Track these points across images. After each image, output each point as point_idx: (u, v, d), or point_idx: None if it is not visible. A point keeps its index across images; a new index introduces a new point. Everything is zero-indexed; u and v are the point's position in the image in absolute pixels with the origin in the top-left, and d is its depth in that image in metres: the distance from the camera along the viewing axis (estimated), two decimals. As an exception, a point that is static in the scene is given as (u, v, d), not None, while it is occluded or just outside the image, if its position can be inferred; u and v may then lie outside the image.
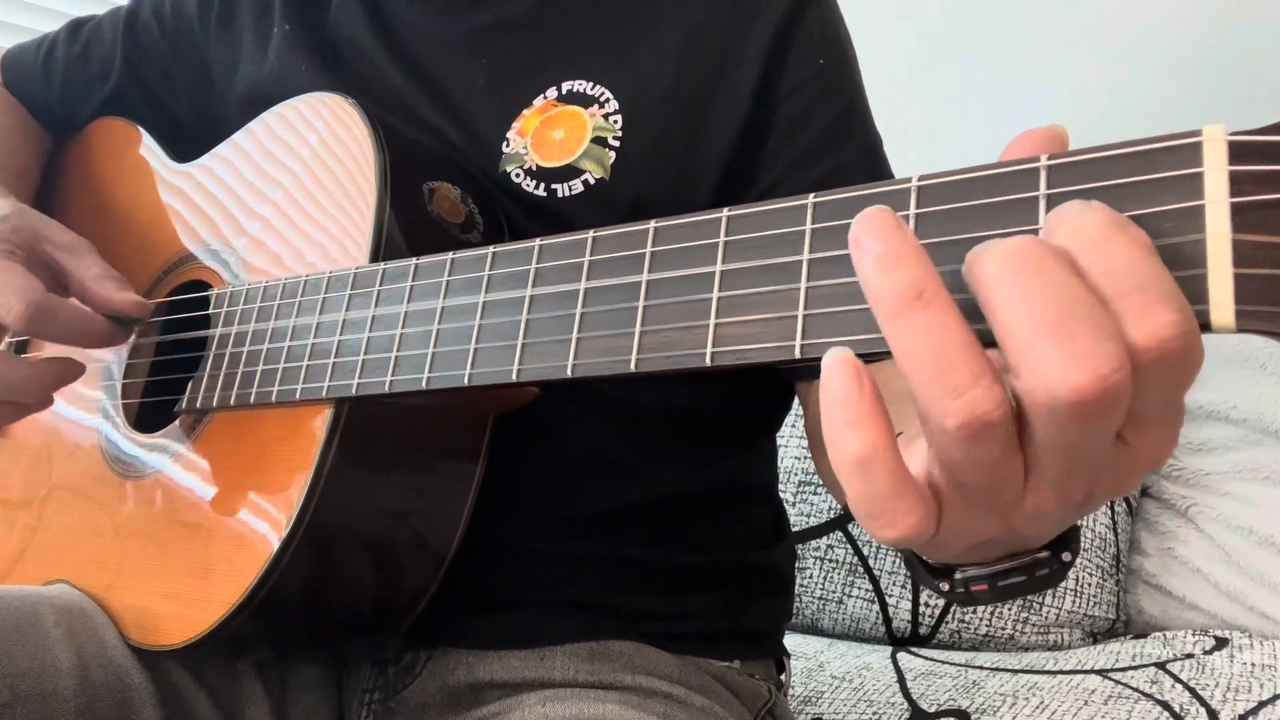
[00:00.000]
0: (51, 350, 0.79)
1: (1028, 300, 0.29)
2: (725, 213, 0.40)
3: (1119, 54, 1.49)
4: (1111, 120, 1.44)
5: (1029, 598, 1.18)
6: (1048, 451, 0.32)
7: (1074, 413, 0.29)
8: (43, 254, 0.68)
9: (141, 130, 0.88)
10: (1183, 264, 0.30)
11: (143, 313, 0.69)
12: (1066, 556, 0.40)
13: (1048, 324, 0.29)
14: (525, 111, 0.72)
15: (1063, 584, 1.18)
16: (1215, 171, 0.30)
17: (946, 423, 0.31)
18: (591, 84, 0.71)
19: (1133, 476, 0.34)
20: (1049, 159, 0.33)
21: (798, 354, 0.36)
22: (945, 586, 0.41)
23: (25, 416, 0.68)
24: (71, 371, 0.67)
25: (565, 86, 0.72)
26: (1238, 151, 0.30)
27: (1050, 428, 0.30)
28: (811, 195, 0.38)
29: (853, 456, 0.32)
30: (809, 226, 0.38)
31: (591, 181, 0.69)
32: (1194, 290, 0.30)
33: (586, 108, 0.71)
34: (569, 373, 0.44)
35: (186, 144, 0.84)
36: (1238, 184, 0.30)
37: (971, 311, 0.31)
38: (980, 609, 1.21)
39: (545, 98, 0.72)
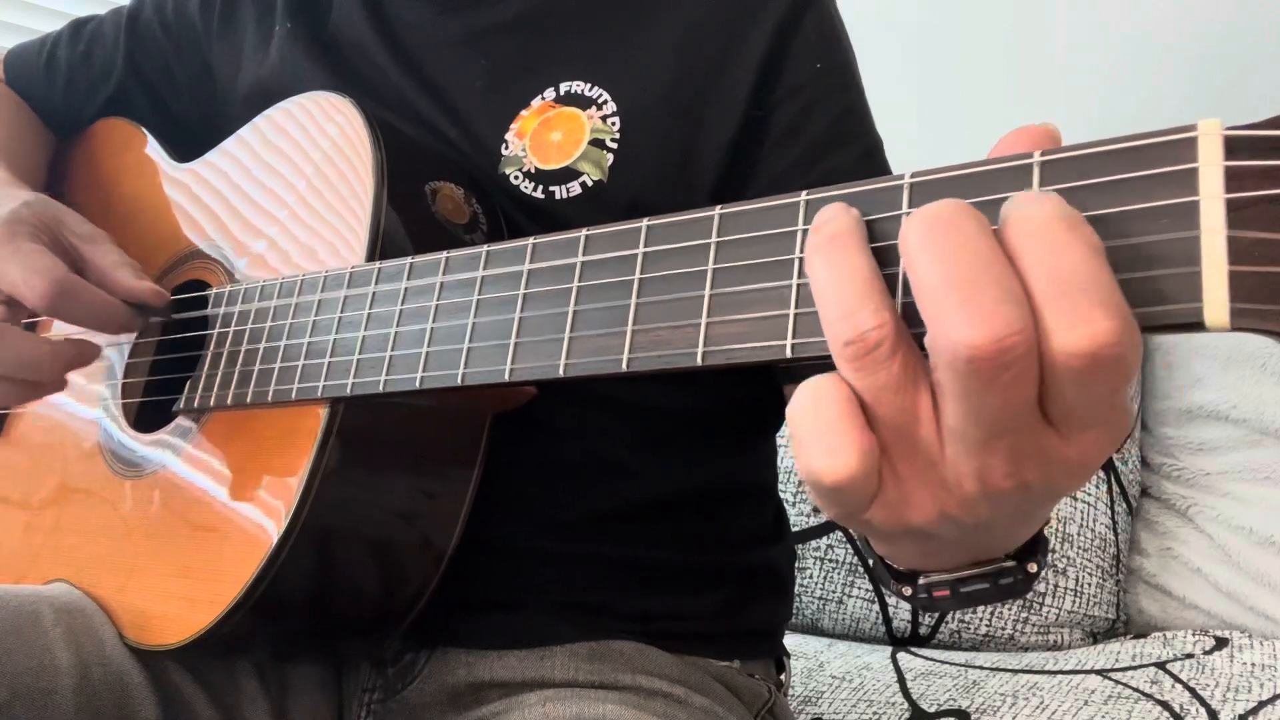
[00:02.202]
0: (67, 333, 0.79)
1: (940, 259, 0.31)
2: (717, 211, 0.40)
3: (1118, 53, 1.49)
4: (1111, 119, 1.44)
5: (1028, 597, 1.17)
6: (958, 411, 0.32)
7: (971, 371, 0.30)
8: (63, 240, 0.69)
9: (144, 130, 0.88)
10: (1176, 261, 0.30)
11: (160, 300, 0.69)
12: (1032, 567, 0.41)
13: (955, 282, 0.30)
14: (523, 113, 0.72)
15: (1063, 584, 1.18)
16: (1210, 167, 0.30)
17: (839, 344, 0.33)
18: (589, 86, 0.71)
19: (1067, 470, 0.33)
20: (1042, 155, 0.33)
21: (788, 353, 0.36)
22: (908, 591, 0.42)
23: (39, 397, 0.69)
24: (87, 354, 0.67)
25: (563, 88, 0.72)
26: (1233, 146, 0.29)
27: (954, 385, 0.31)
28: (804, 193, 0.38)
29: (810, 386, 0.34)
30: (800, 227, 0.38)
31: (589, 184, 0.69)
32: (1188, 288, 0.30)
33: (584, 109, 0.71)
34: (561, 372, 0.44)
35: (189, 143, 0.84)
36: (1233, 179, 0.29)
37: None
38: (980, 609, 1.21)
39: (543, 99, 0.72)
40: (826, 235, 0.34)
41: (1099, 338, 0.29)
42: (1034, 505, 0.36)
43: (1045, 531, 0.42)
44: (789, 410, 0.35)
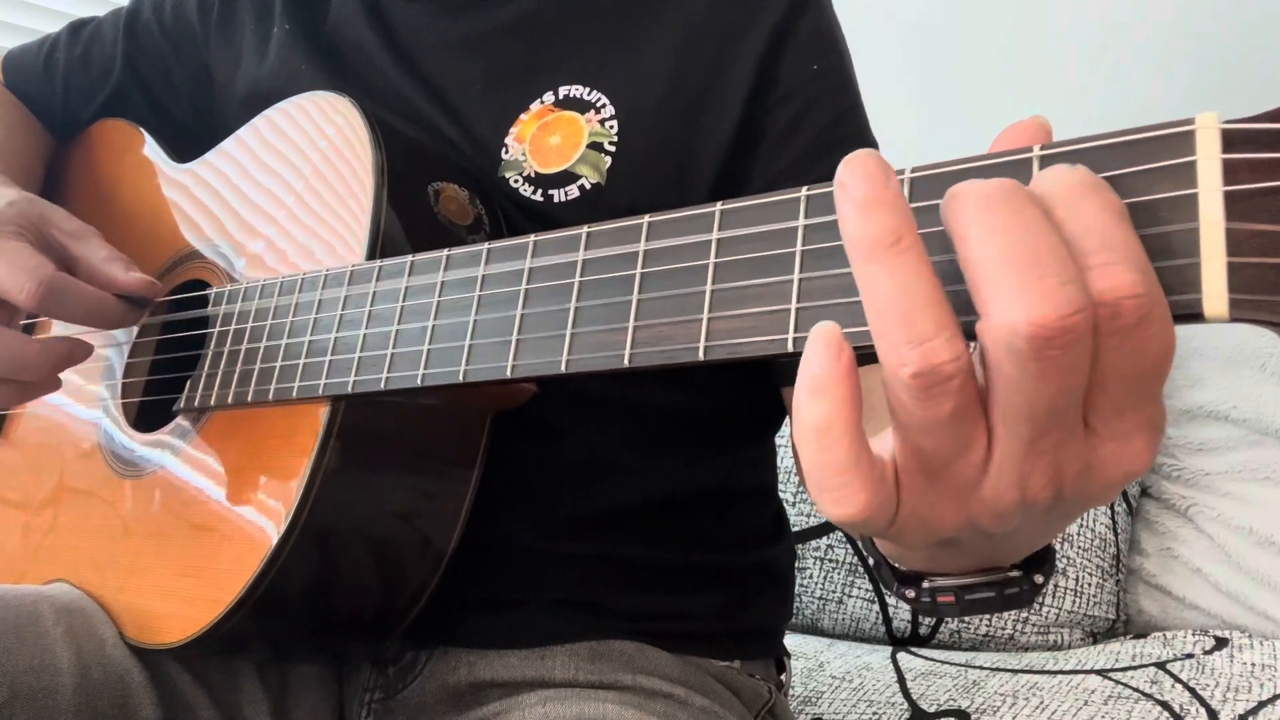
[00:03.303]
0: (60, 331, 0.79)
1: (1000, 236, 0.29)
2: (719, 206, 0.40)
3: (1116, 49, 1.49)
4: (1110, 115, 1.44)
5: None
6: (1008, 413, 0.31)
7: (1032, 351, 0.29)
8: (50, 238, 0.68)
9: (143, 131, 0.88)
10: (1176, 253, 0.30)
11: (153, 291, 0.68)
12: (1039, 579, 0.40)
13: (1016, 260, 0.29)
14: (522, 116, 0.72)
15: (1063, 584, 1.18)
16: (1208, 160, 0.30)
17: (903, 371, 0.31)
18: (588, 89, 0.71)
19: (1102, 478, 0.32)
20: (1041, 149, 0.33)
21: (790, 347, 0.36)
22: (911, 594, 0.41)
23: (33, 398, 0.68)
24: (79, 351, 0.67)
25: (562, 92, 0.72)
26: (1231, 139, 0.29)
27: (1009, 370, 0.30)
28: (805, 188, 0.38)
29: (813, 421, 0.32)
30: (801, 222, 0.38)
31: (588, 187, 0.69)
32: (1187, 279, 0.30)
33: (583, 113, 0.71)
34: (563, 368, 0.44)
35: (188, 144, 0.84)
36: (1231, 172, 0.29)
37: (949, 275, 0.31)
38: (981, 609, 1.21)
39: (542, 103, 0.72)
40: (886, 242, 0.31)
41: (1123, 288, 0.29)
42: (1061, 517, 0.35)
43: (1052, 544, 0.41)
44: (796, 440, 0.33)
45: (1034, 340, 0.29)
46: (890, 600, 1.25)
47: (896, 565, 0.42)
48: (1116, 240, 0.29)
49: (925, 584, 0.40)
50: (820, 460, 0.32)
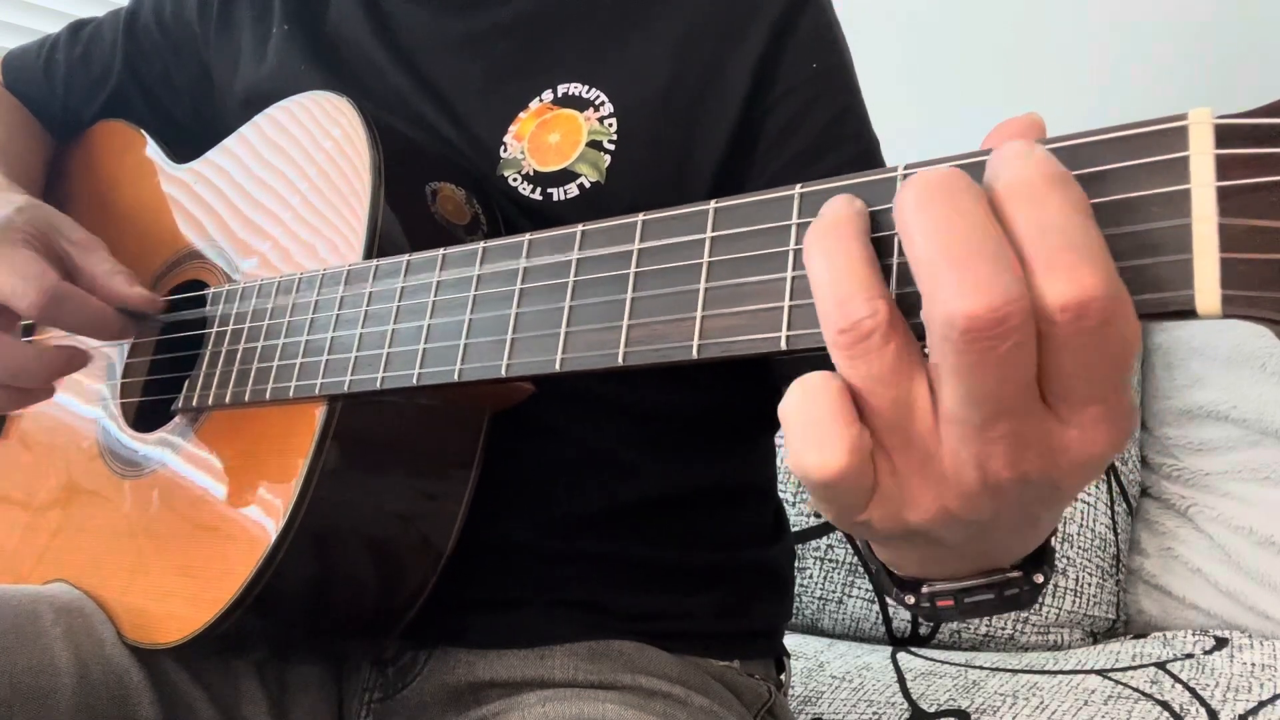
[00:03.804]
0: (58, 339, 0.79)
1: (937, 231, 0.30)
2: (712, 205, 0.40)
3: (1111, 46, 1.49)
4: (1104, 110, 1.44)
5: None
6: (955, 392, 0.31)
7: (968, 343, 0.30)
8: (56, 247, 0.68)
9: (143, 132, 0.88)
10: (1168, 249, 0.30)
11: (153, 307, 0.69)
12: (1038, 578, 0.40)
13: (952, 254, 0.30)
14: (521, 115, 0.72)
15: (1063, 584, 1.18)
16: (1201, 155, 0.30)
17: (831, 332, 0.33)
18: (586, 87, 0.71)
19: (1070, 460, 0.32)
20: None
21: (783, 345, 0.36)
22: (910, 600, 0.41)
23: (28, 404, 0.69)
24: (76, 360, 0.67)
25: (560, 90, 0.72)
26: (1224, 135, 0.29)
27: (950, 361, 0.31)
28: (798, 186, 0.38)
29: (801, 381, 0.34)
30: (795, 221, 0.38)
31: (587, 185, 0.69)
32: (1180, 275, 0.30)
33: (581, 111, 0.71)
34: (557, 367, 0.44)
35: (187, 145, 0.84)
36: (1224, 167, 0.29)
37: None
38: (981, 609, 1.20)
39: (541, 101, 0.72)
40: (824, 225, 0.34)
41: (1085, 291, 0.29)
42: (1037, 503, 0.35)
43: (1051, 542, 0.41)
44: (781, 408, 0.34)
45: (968, 333, 0.29)
46: (890, 601, 1.24)
47: (894, 571, 0.42)
48: (1080, 238, 0.29)
49: (924, 589, 0.41)
50: (805, 416, 0.33)
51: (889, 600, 0.61)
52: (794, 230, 0.37)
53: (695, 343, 0.39)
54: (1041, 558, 0.40)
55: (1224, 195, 0.29)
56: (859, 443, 0.33)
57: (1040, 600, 1.17)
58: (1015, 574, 0.40)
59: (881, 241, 0.34)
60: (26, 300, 0.62)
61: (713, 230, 0.40)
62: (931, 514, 0.35)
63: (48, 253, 0.67)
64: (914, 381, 0.33)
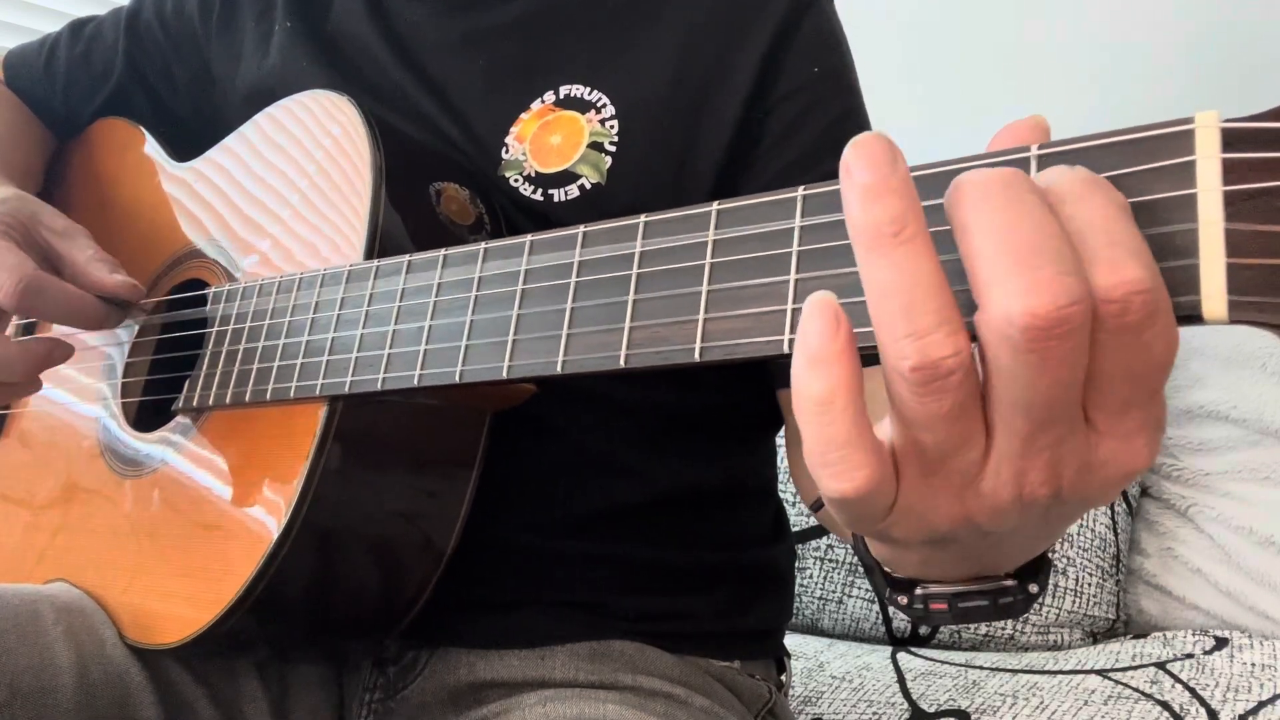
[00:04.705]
0: (57, 333, 0.79)
1: (1000, 227, 0.29)
2: (715, 206, 0.40)
3: (1117, 48, 1.49)
4: (1110, 114, 1.44)
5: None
6: (1005, 408, 0.31)
7: (1027, 342, 0.29)
8: (37, 237, 0.68)
9: (143, 130, 0.88)
10: (1174, 253, 0.30)
11: (134, 295, 0.69)
12: (1033, 588, 0.39)
13: (1015, 252, 0.29)
14: (523, 116, 0.72)
15: (1063, 584, 1.18)
16: (1208, 159, 0.29)
17: (902, 365, 0.30)
18: (588, 89, 0.71)
19: (1101, 477, 0.32)
20: (1039, 148, 0.32)
21: (786, 349, 0.36)
22: (904, 601, 0.40)
23: (14, 399, 0.69)
24: (58, 352, 0.67)
25: (563, 91, 0.72)
26: (1231, 138, 0.29)
27: (1005, 363, 0.30)
28: (801, 188, 0.37)
29: (816, 395, 0.31)
30: (798, 222, 0.37)
31: (588, 187, 0.69)
32: (1186, 280, 0.29)
33: (583, 113, 0.71)
34: (559, 369, 0.43)
35: (188, 143, 0.84)
36: (1231, 171, 0.29)
37: (954, 276, 0.31)
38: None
39: (542, 102, 0.72)
40: (890, 231, 0.30)
41: (1132, 285, 0.28)
42: (1060, 518, 0.35)
43: (1048, 553, 0.41)
44: (797, 412, 0.32)
45: (1029, 331, 0.28)
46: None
47: (890, 571, 0.42)
48: (1123, 235, 0.29)
49: (918, 591, 0.40)
50: (822, 435, 0.31)
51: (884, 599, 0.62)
52: (797, 232, 0.37)
53: (697, 345, 0.39)
54: (1038, 568, 0.40)
55: (1230, 200, 0.29)
56: (880, 472, 0.32)
57: (1040, 601, 1.17)
58: (1011, 582, 0.40)
59: None
60: (2, 291, 0.62)
61: (715, 232, 0.40)
62: (956, 522, 0.34)
63: (28, 243, 0.67)
64: (977, 419, 0.31)
